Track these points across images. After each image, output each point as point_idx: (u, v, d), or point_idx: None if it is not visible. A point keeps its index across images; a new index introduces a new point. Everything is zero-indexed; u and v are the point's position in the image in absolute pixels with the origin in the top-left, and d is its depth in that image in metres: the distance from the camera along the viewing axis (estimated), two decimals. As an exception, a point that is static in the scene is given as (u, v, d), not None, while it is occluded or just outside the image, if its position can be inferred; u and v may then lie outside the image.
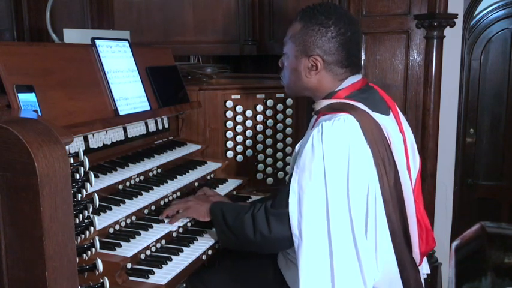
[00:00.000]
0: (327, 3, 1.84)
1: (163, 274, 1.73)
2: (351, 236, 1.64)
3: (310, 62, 1.80)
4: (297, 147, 1.78)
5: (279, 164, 2.85)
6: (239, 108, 2.74)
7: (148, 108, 2.32)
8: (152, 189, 2.11)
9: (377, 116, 1.73)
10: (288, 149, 2.84)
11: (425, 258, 1.99)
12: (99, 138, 2.06)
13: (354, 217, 1.63)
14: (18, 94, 1.69)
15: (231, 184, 2.55)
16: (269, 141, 2.82)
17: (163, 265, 1.78)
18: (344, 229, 1.63)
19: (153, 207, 2.08)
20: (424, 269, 1.95)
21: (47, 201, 1.20)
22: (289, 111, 2.83)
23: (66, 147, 1.30)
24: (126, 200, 1.94)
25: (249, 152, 2.80)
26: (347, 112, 1.69)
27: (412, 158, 1.85)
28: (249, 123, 2.78)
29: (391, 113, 1.85)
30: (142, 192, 2.04)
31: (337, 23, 1.76)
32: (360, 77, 1.85)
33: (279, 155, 2.84)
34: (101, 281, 1.53)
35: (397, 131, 1.80)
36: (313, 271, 1.65)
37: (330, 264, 1.64)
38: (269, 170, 2.85)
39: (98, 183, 1.86)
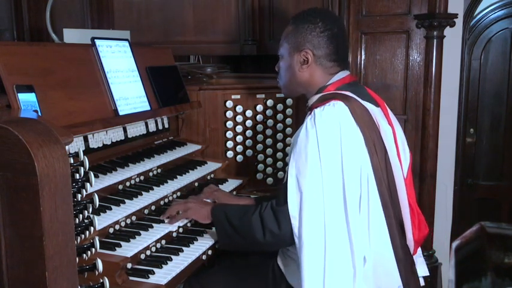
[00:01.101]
0: (315, 8, 2.03)
1: (163, 274, 1.73)
2: (343, 214, 1.69)
3: (302, 57, 1.92)
4: (292, 139, 1.90)
5: (279, 164, 2.85)
6: (239, 108, 2.74)
7: (148, 108, 2.33)
8: (152, 189, 2.11)
9: (366, 104, 1.83)
10: (288, 149, 2.83)
11: (423, 260, 2.00)
12: (99, 138, 2.06)
13: (347, 196, 1.69)
14: (18, 94, 1.69)
15: (231, 184, 2.55)
16: (269, 141, 2.82)
17: (163, 265, 1.78)
18: (337, 207, 1.69)
19: (153, 207, 2.08)
20: (422, 271, 1.96)
21: (47, 201, 1.20)
22: (289, 111, 2.83)
23: (66, 147, 1.29)
24: (126, 200, 1.94)
25: (249, 152, 2.80)
26: (337, 99, 1.79)
27: (402, 150, 1.92)
28: (249, 123, 2.78)
29: (379, 107, 1.94)
30: (142, 192, 2.04)
31: (324, 20, 1.91)
32: (348, 73, 1.97)
33: (279, 155, 2.84)
34: (101, 281, 1.53)
35: (386, 124, 1.89)
36: (313, 254, 1.68)
37: (323, 245, 1.68)
38: (269, 170, 2.85)
39: (98, 183, 1.86)
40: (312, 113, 1.78)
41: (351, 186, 1.70)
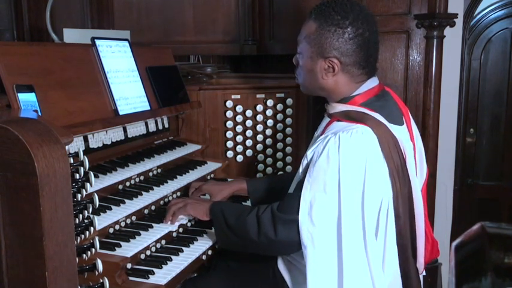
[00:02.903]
0: (342, 0, 1.75)
1: (163, 274, 1.73)
2: (363, 249, 1.63)
3: (327, 64, 1.74)
4: (309, 153, 1.73)
5: (279, 164, 2.85)
6: (239, 108, 2.74)
7: (148, 108, 2.32)
8: (152, 189, 2.11)
9: (393, 128, 1.70)
10: (288, 149, 2.83)
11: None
12: (99, 138, 2.06)
13: (367, 230, 1.62)
14: (18, 94, 1.69)
15: (231, 184, 2.55)
16: (269, 141, 2.82)
17: (163, 265, 1.78)
18: (356, 242, 1.63)
19: (153, 207, 2.08)
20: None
21: (47, 201, 1.20)
22: (289, 111, 2.82)
23: (66, 147, 1.30)
24: (126, 200, 1.94)
25: (249, 152, 2.80)
26: (364, 123, 1.66)
27: (419, 166, 1.84)
28: (249, 123, 2.78)
29: (404, 122, 1.82)
30: (142, 192, 2.04)
31: (354, 23, 1.69)
32: (377, 81, 1.81)
33: (279, 155, 2.84)
34: (101, 281, 1.53)
35: (409, 141, 1.78)
36: (322, 281, 1.64)
37: (339, 276, 1.63)
38: (269, 170, 2.84)
39: (98, 183, 1.86)
40: (337, 137, 1.63)
41: (370, 218, 1.62)
